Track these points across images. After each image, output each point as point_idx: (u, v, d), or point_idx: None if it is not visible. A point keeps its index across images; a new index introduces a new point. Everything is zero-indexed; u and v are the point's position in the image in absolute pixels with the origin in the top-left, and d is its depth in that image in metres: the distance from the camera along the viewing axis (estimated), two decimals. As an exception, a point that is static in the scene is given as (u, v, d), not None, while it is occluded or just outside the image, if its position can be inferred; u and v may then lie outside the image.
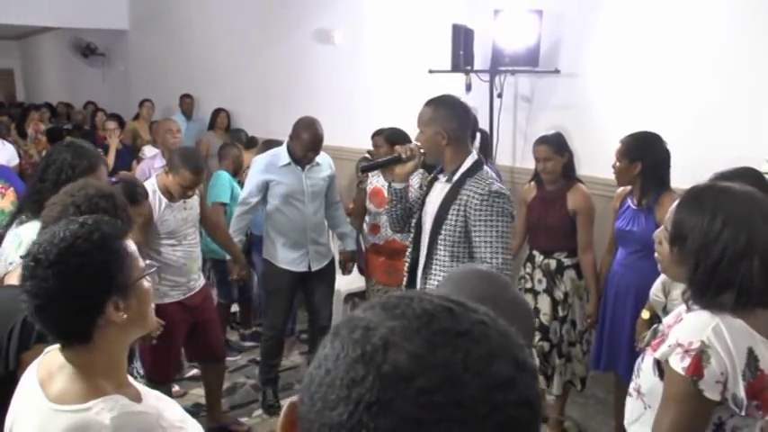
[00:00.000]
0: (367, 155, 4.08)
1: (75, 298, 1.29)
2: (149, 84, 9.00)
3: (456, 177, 2.53)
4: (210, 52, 7.71)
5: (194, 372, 4.10)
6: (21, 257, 2.24)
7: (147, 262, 1.47)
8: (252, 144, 5.65)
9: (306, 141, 3.63)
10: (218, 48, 7.59)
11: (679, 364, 1.46)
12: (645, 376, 1.62)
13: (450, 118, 2.53)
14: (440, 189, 2.61)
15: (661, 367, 1.54)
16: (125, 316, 1.33)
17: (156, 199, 3.33)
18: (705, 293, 1.51)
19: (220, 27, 7.56)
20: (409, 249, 2.75)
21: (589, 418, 3.77)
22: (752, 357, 1.45)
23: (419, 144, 2.60)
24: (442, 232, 2.51)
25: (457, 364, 0.57)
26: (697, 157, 3.43)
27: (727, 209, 1.49)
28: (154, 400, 1.42)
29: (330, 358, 0.60)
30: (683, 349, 1.47)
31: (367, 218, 4.12)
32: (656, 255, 1.67)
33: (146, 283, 1.41)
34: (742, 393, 1.44)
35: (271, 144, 4.28)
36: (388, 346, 0.57)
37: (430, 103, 2.58)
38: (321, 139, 3.68)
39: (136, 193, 2.93)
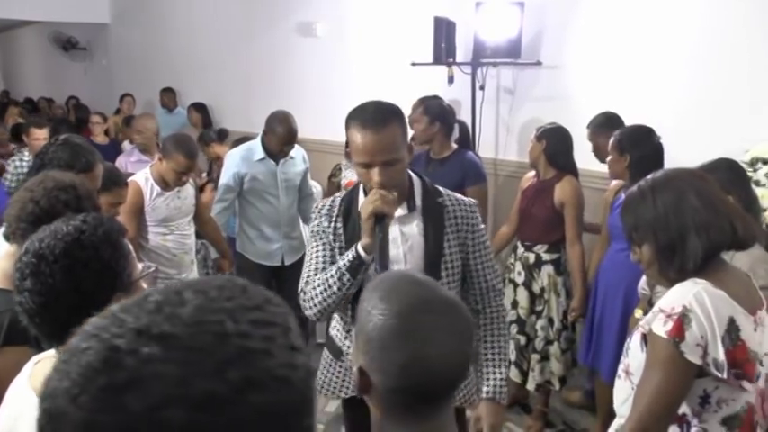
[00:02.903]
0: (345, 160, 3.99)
1: (81, 294, 1.23)
2: (131, 78, 8.91)
3: (419, 203, 1.98)
4: (193, 46, 7.64)
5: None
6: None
7: (146, 263, 1.44)
8: (223, 136, 5.68)
9: (281, 135, 3.60)
10: (200, 41, 7.52)
11: (662, 328, 1.51)
12: (633, 354, 1.65)
13: (406, 130, 1.93)
14: (396, 224, 1.96)
15: (647, 341, 1.58)
16: None
17: (149, 187, 3.31)
18: (672, 261, 1.59)
19: (202, 20, 7.49)
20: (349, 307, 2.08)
21: (573, 410, 3.77)
22: (733, 326, 1.50)
23: (386, 192, 1.82)
24: (443, 273, 1.98)
25: None
26: (680, 148, 3.44)
27: (661, 197, 1.61)
28: None
29: None
30: (666, 314, 1.52)
31: None
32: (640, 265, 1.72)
33: (143, 286, 1.38)
34: (722, 357, 1.49)
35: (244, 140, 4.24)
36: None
37: (390, 119, 1.83)
38: (295, 132, 3.66)
39: (113, 178, 2.85)
